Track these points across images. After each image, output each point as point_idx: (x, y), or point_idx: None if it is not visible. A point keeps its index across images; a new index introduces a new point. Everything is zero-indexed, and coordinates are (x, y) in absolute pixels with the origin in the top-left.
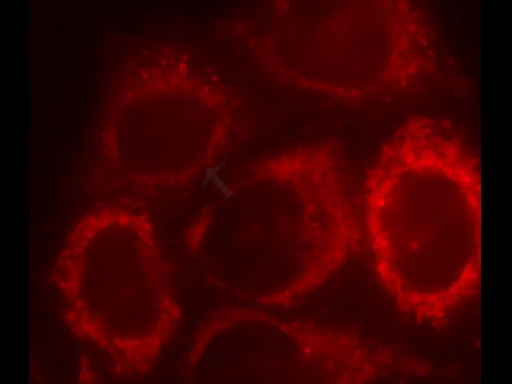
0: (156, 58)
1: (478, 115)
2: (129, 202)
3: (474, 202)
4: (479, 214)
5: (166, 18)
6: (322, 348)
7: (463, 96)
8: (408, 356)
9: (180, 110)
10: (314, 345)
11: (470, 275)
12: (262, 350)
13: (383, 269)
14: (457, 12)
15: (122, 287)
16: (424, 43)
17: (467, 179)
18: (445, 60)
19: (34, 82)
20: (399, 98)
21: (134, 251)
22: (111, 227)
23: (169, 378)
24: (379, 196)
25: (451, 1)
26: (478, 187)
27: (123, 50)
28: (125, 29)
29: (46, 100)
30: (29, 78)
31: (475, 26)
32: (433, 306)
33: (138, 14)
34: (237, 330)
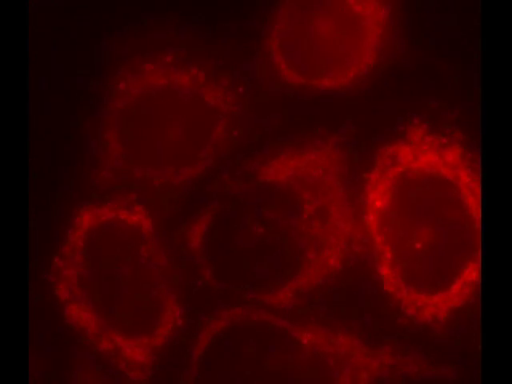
0: (158, 58)
1: (477, 115)
2: (130, 199)
3: (473, 201)
4: (479, 214)
5: (169, 19)
6: (322, 347)
7: (463, 96)
8: (408, 356)
9: (182, 109)
10: (314, 344)
11: (470, 275)
12: (262, 349)
13: (383, 268)
14: (455, 13)
15: (122, 284)
16: (424, 43)
17: (466, 179)
18: (444, 60)
19: (36, 81)
20: (399, 99)
21: (135, 248)
22: (111, 224)
23: (170, 376)
24: (379, 196)
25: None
26: (478, 187)
27: (126, 48)
28: (127, 28)
29: (48, 97)
30: (31, 76)
31: (475, 27)
32: (433, 305)
33: (140, 13)
34: (237, 328)
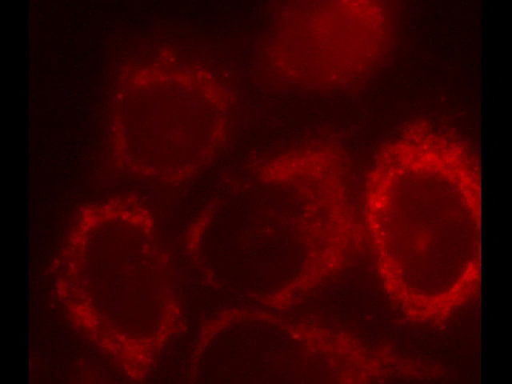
0: (159, 57)
1: (478, 115)
2: (131, 199)
3: (473, 202)
4: (479, 214)
5: (169, 17)
6: (322, 347)
7: (463, 96)
8: (408, 356)
9: (182, 108)
10: (314, 344)
11: (470, 275)
12: (262, 349)
13: (383, 268)
14: (455, 12)
15: (123, 284)
16: (424, 43)
17: (467, 179)
18: (444, 60)
19: (35, 81)
20: (399, 99)
21: (136, 248)
22: (113, 224)
23: (170, 376)
24: (380, 197)
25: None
26: (478, 187)
27: (126, 48)
28: (130, 25)
29: (47, 97)
30: (31, 75)
31: (475, 27)
32: (433, 306)
33: (140, 13)
34: (237, 328)
